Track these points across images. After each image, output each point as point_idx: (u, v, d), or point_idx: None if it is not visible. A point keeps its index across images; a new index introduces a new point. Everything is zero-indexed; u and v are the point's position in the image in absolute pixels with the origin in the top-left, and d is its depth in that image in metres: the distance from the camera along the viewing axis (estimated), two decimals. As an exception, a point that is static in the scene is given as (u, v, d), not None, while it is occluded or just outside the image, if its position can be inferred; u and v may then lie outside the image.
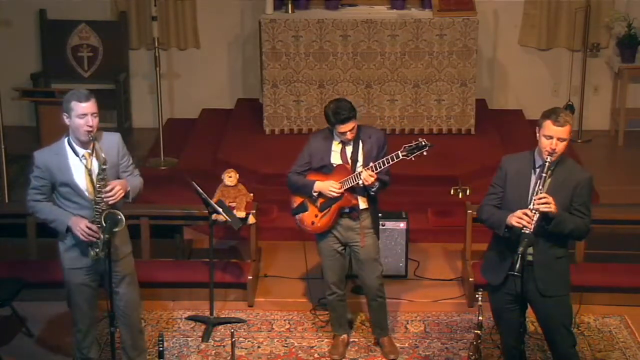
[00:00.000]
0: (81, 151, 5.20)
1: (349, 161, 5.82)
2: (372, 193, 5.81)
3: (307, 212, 5.95)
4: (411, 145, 5.64)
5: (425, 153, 5.65)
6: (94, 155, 5.18)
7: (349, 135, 5.77)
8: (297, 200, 6.00)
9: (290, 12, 8.94)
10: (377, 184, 5.72)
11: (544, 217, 4.91)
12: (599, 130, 9.60)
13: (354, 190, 5.83)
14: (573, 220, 4.97)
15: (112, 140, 5.34)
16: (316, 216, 5.91)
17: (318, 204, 5.90)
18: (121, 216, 5.16)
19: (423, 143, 5.64)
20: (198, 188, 6.29)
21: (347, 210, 5.88)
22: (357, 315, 6.54)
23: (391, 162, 5.68)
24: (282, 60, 8.85)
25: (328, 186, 5.80)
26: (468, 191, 7.26)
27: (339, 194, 5.80)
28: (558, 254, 5.07)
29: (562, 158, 5.01)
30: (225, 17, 9.67)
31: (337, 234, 5.94)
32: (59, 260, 5.44)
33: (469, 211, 6.86)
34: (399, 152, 5.64)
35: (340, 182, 5.79)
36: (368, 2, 9.16)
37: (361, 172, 5.68)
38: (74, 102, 5.12)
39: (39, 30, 9.67)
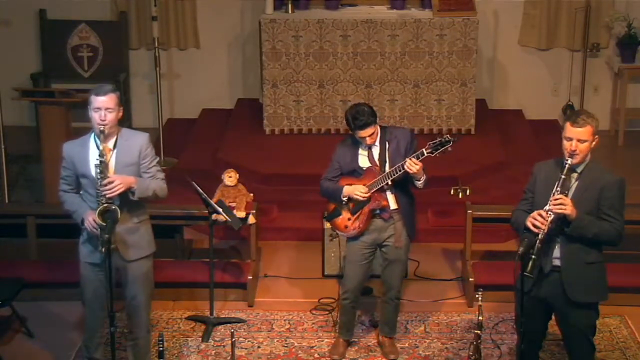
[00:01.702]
0: (101, 148, 5.23)
1: (377, 163, 5.82)
2: (419, 185, 5.76)
3: (340, 217, 5.94)
4: (435, 142, 5.61)
5: (450, 149, 5.61)
6: (114, 149, 5.23)
7: (369, 141, 5.77)
8: (331, 206, 6.01)
9: (290, 12, 8.94)
10: (424, 176, 5.70)
11: (564, 220, 4.86)
12: (599, 130, 9.55)
13: (383, 190, 5.82)
14: (598, 224, 4.88)
15: (137, 139, 5.36)
16: (349, 219, 5.91)
17: (350, 207, 5.91)
18: (115, 208, 5.15)
19: (447, 139, 5.60)
20: (198, 188, 6.29)
21: (378, 211, 5.87)
22: (358, 315, 6.54)
23: (419, 159, 5.64)
24: (282, 60, 8.85)
25: (355, 190, 5.80)
26: (468, 191, 7.23)
27: (365, 198, 5.80)
28: (588, 259, 4.96)
29: (591, 161, 4.95)
30: (225, 17, 9.68)
31: (368, 239, 5.91)
32: (77, 256, 5.48)
33: (469, 211, 6.86)
34: (424, 149, 5.62)
35: (368, 185, 5.79)
36: (368, 2, 9.17)
37: (403, 163, 5.64)
38: (93, 95, 5.20)
39: (39, 30, 9.68)
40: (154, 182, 5.41)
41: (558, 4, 9.52)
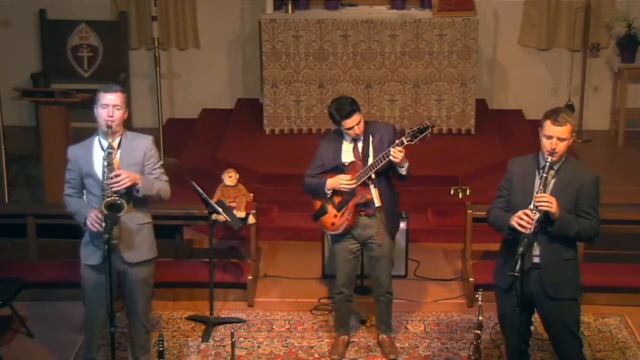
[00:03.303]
0: (106, 144, 5.27)
1: (361, 157, 5.83)
2: (403, 173, 5.76)
3: (327, 214, 5.96)
4: (414, 130, 5.62)
5: (429, 135, 5.62)
6: (119, 149, 5.26)
7: (357, 130, 5.78)
8: (316, 205, 6.02)
9: (290, 12, 8.94)
10: (406, 162, 5.70)
11: (547, 219, 4.88)
12: (599, 130, 9.60)
13: (367, 184, 5.83)
14: (578, 222, 4.92)
15: (141, 141, 5.41)
16: (335, 216, 5.92)
17: (335, 203, 5.91)
18: (122, 201, 5.17)
19: (425, 125, 5.62)
20: (198, 188, 6.29)
21: (363, 207, 5.88)
22: (358, 315, 6.54)
23: (401, 147, 5.65)
24: (282, 60, 8.85)
25: (339, 180, 5.82)
26: (468, 191, 7.26)
27: (351, 187, 5.80)
28: (566, 256, 5.00)
29: (567, 159, 4.98)
30: (225, 17, 9.68)
31: (354, 233, 5.94)
32: (78, 258, 5.48)
33: (469, 211, 6.86)
34: (403, 138, 5.64)
35: (353, 176, 5.80)
36: (368, 2, 9.17)
37: (388, 151, 5.65)
38: (101, 92, 5.28)
39: (39, 30, 9.68)
40: (159, 183, 5.45)
41: (558, 4, 9.52)
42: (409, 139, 5.64)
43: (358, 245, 5.99)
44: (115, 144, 5.30)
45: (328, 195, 5.90)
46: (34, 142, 8.58)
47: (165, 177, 5.52)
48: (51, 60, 9.68)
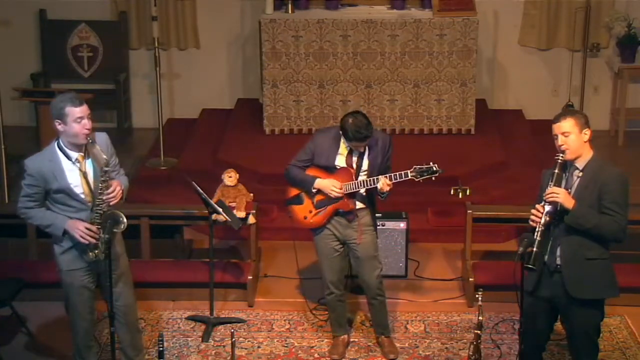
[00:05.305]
0: (74, 155, 5.18)
1: (354, 166, 5.82)
2: (382, 198, 5.81)
3: (301, 205, 5.95)
4: (422, 168, 5.63)
5: (433, 178, 5.67)
6: (87, 157, 5.19)
7: (362, 149, 5.80)
8: (293, 192, 6.00)
9: (290, 12, 8.94)
10: (388, 193, 5.75)
11: (564, 212, 4.86)
12: (599, 130, 9.54)
13: (353, 195, 5.83)
14: (597, 216, 4.84)
15: (101, 140, 5.30)
16: (310, 212, 5.92)
17: (315, 200, 5.90)
18: (123, 217, 5.15)
19: (434, 168, 5.64)
20: (198, 188, 6.29)
21: (342, 212, 5.88)
22: (356, 314, 6.55)
23: (399, 180, 5.70)
24: (282, 60, 8.85)
25: (330, 185, 5.80)
26: (468, 191, 7.22)
27: (339, 195, 5.80)
28: (589, 254, 4.92)
29: (593, 159, 4.94)
30: (225, 17, 9.68)
31: (334, 232, 5.94)
32: (55, 263, 5.43)
33: (469, 211, 6.86)
34: (408, 171, 5.66)
35: (342, 185, 5.79)
36: (368, 2, 9.16)
37: (378, 179, 5.68)
38: (68, 107, 5.10)
39: (39, 30, 9.68)
40: (125, 180, 5.44)
41: (558, 4, 9.52)
42: (413, 174, 5.65)
43: (340, 243, 5.98)
44: (83, 151, 5.20)
45: (312, 193, 5.90)
46: (34, 142, 8.58)
47: (123, 171, 5.50)
48: (51, 60, 9.68)
